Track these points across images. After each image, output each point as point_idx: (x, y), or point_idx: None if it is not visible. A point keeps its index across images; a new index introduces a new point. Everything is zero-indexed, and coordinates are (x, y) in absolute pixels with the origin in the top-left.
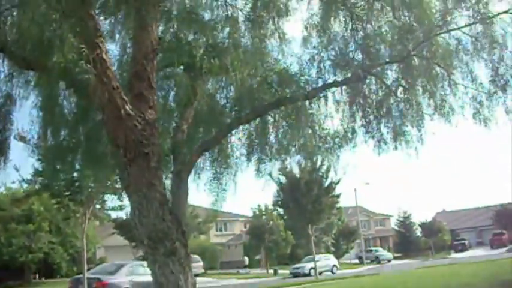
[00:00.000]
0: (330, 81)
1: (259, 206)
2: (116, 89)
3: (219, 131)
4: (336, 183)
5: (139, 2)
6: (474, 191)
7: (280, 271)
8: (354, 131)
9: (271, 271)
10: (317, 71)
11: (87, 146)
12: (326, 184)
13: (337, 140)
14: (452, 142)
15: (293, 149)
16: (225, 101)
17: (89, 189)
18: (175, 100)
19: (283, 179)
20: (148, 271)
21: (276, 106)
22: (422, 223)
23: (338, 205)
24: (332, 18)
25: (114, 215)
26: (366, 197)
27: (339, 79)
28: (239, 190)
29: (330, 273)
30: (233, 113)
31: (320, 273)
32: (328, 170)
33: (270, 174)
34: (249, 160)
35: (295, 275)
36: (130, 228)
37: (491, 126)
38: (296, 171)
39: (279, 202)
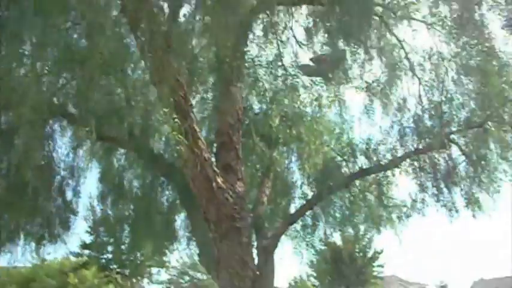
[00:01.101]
0: (411, 149)
1: (295, 277)
2: (207, 161)
3: (304, 204)
4: (380, 253)
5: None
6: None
7: None
8: (423, 200)
9: None
10: (398, 139)
11: (138, 218)
12: (370, 254)
13: (405, 209)
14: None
15: (357, 219)
16: (303, 173)
17: (138, 262)
18: (254, 172)
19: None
20: None
21: (360, 176)
22: None
23: (382, 275)
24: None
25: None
26: (401, 265)
27: (420, 147)
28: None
29: None
30: (314, 185)
31: None
32: (371, 240)
33: (313, 245)
34: (313, 231)
35: None
36: None
37: None
38: (338, 241)
39: (319, 273)
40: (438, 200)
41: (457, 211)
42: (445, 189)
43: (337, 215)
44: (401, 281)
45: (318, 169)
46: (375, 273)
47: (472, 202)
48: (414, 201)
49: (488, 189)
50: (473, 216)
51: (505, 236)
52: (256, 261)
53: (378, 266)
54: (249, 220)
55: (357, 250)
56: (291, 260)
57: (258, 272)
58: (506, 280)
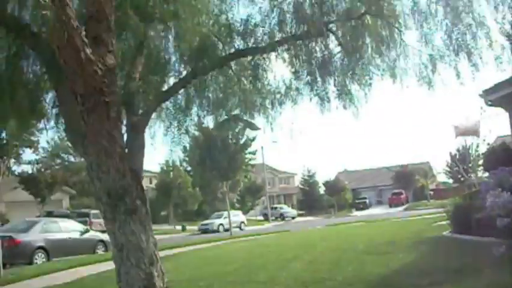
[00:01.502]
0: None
1: (167, 161)
2: (76, 29)
3: (177, 82)
4: (252, 141)
5: None
6: (376, 151)
7: (187, 227)
8: (297, 88)
9: (178, 227)
10: (278, 23)
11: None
12: (242, 141)
13: (278, 96)
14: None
15: (230, 104)
16: (178, 50)
17: (3, 141)
18: (126, 46)
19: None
20: (62, 228)
21: (236, 57)
22: (326, 182)
23: (253, 162)
24: None
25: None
26: (272, 154)
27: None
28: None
29: (238, 229)
30: (189, 63)
31: (227, 230)
32: (245, 128)
33: (187, 130)
34: (186, 114)
35: (204, 231)
36: (36, 183)
37: (436, 90)
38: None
39: (191, 158)
40: (312, 89)
41: (328, 101)
42: (319, 79)
43: (211, 97)
44: (271, 169)
45: (194, 48)
46: (246, 160)
47: (344, 93)
48: (288, 88)
49: (360, 82)
50: (344, 107)
51: (372, 129)
52: (125, 138)
53: (250, 153)
54: (118, 95)
55: (230, 136)
56: (164, 145)
57: (126, 149)
58: (368, 172)
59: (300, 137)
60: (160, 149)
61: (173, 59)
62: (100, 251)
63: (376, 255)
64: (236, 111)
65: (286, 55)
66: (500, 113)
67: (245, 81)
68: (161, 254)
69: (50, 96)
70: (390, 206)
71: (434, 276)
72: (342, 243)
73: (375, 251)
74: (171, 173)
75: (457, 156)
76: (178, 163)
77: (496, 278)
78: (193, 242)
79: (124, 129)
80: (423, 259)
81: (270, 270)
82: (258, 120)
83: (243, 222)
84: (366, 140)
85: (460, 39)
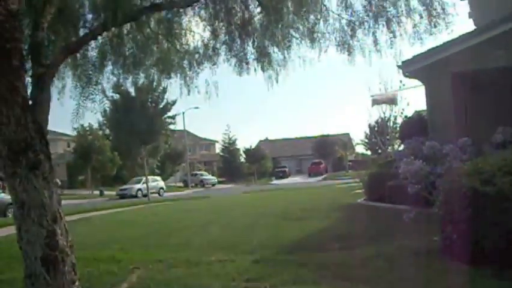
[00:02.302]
0: None
1: (82, 125)
2: None
3: (87, 33)
4: (172, 105)
5: None
6: (297, 121)
7: (105, 192)
8: (215, 49)
9: (96, 192)
10: None
11: None
12: (162, 105)
13: (197, 56)
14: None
15: (148, 63)
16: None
17: None
18: None
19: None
20: None
21: (150, 11)
22: (247, 150)
23: (173, 126)
24: None
25: None
26: (193, 121)
27: None
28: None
29: (157, 195)
30: (101, 15)
31: (145, 195)
32: (164, 91)
33: (104, 92)
34: (100, 72)
35: (122, 197)
36: None
37: (355, 56)
38: (132, 90)
39: (109, 122)
40: (230, 50)
41: (247, 63)
42: (238, 40)
43: (127, 54)
44: (192, 135)
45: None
46: (166, 125)
47: (263, 55)
48: (206, 48)
49: (280, 44)
50: (262, 69)
51: (294, 99)
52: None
53: (169, 117)
54: (22, 43)
55: (150, 100)
56: (82, 108)
57: (30, 101)
58: (289, 141)
59: (221, 104)
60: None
61: (85, 9)
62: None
63: (292, 220)
64: (152, 71)
65: (204, 14)
66: (419, 85)
67: (163, 40)
68: (76, 217)
69: None
70: (309, 175)
71: (346, 241)
72: (259, 209)
73: (290, 216)
74: (89, 136)
75: (376, 128)
76: (97, 126)
77: (405, 242)
78: (110, 207)
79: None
80: (337, 225)
81: (184, 234)
82: (175, 81)
83: (162, 188)
84: (288, 110)
85: (380, 5)
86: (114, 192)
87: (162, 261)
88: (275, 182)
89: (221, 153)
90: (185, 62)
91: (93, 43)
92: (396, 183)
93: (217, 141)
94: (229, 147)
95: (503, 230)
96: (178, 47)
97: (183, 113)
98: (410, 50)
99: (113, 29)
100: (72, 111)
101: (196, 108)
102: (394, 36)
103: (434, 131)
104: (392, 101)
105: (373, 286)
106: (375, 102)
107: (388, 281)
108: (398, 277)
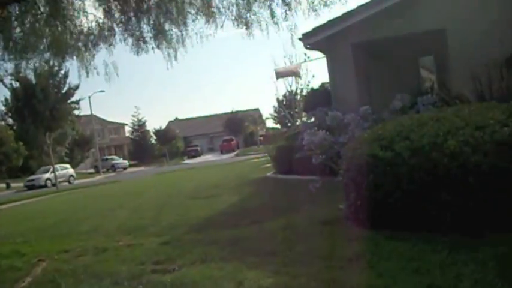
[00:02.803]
0: None
1: None
2: None
3: None
4: (75, 89)
5: None
6: (206, 99)
7: (12, 184)
8: (111, 29)
9: (2, 185)
10: None
11: None
12: (64, 90)
13: (92, 37)
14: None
15: (41, 47)
16: None
17: None
18: None
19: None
20: None
21: None
22: (157, 131)
23: (78, 112)
24: None
25: None
26: (100, 105)
27: None
28: None
29: (67, 183)
30: None
31: (54, 185)
32: (66, 76)
33: (2, 80)
34: None
35: (30, 188)
36: None
37: (253, 30)
38: (31, 76)
39: (11, 110)
40: (126, 29)
41: (144, 42)
42: (133, 18)
43: (17, 38)
44: (100, 120)
45: None
46: (71, 111)
47: (160, 33)
48: (101, 28)
49: (177, 21)
50: (159, 47)
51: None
52: None
53: (73, 102)
54: None
55: (51, 85)
56: None
57: None
58: (200, 119)
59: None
60: None
61: None
62: None
63: (202, 199)
64: (46, 55)
65: None
66: (321, 57)
67: (54, 21)
68: None
69: None
70: (222, 153)
71: (255, 215)
72: (169, 189)
73: (200, 195)
74: None
75: (284, 102)
76: None
77: (311, 212)
78: (16, 199)
79: None
80: (246, 200)
81: (92, 221)
82: (71, 64)
83: (72, 175)
84: (196, 88)
85: None
86: (21, 184)
87: (68, 251)
88: (187, 161)
89: (131, 136)
90: (80, 43)
91: None
92: (302, 155)
93: (126, 124)
94: (139, 129)
95: (400, 193)
96: (71, 28)
97: (89, 97)
98: (307, 23)
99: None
100: None
101: (102, 91)
102: (290, 9)
103: (337, 101)
104: (295, 73)
105: (282, 258)
106: (279, 75)
107: (297, 251)
108: (306, 247)
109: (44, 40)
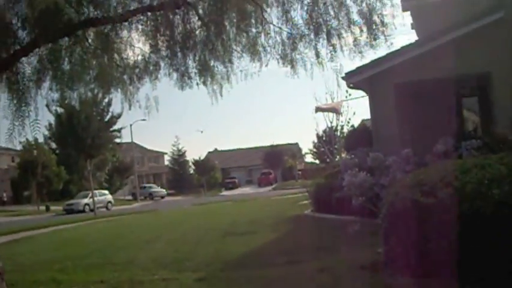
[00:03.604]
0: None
1: (27, 139)
2: None
3: (18, 49)
4: (117, 118)
5: None
6: (246, 132)
7: (52, 207)
8: (157, 63)
9: (42, 207)
10: None
11: None
12: (107, 118)
13: (137, 71)
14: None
15: (88, 78)
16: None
17: None
18: None
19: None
20: None
21: (84, 26)
22: (196, 161)
23: (119, 140)
24: None
25: None
26: (141, 133)
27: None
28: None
29: (105, 209)
30: (31, 31)
31: (92, 210)
32: (109, 104)
33: (48, 106)
34: (38, 87)
35: (69, 212)
36: None
37: (298, 69)
38: (76, 103)
39: (55, 136)
40: (171, 64)
41: (189, 77)
42: (179, 54)
43: (66, 69)
44: (140, 148)
45: (38, 12)
46: (112, 138)
47: (205, 69)
48: (147, 62)
49: (222, 58)
50: (204, 83)
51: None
52: None
53: (115, 131)
54: None
55: (94, 113)
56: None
57: None
58: (238, 151)
59: (169, 115)
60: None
61: (18, 24)
62: None
63: (238, 235)
64: (92, 86)
65: (144, 27)
66: (364, 96)
67: (102, 54)
68: (17, 236)
69: None
70: (259, 186)
71: (292, 255)
72: (206, 223)
73: (237, 230)
74: (34, 151)
75: (324, 138)
76: (41, 140)
77: (350, 255)
78: (55, 223)
79: None
80: (283, 238)
81: (129, 252)
82: (116, 96)
83: (110, 201)
84: (237, 121)
85: (320, 19)
86: (61, 207)
87: (104, 282)
88: (225, 193)
89: (170, 165)
90: (125, 76)
91: (32, 58)
92: (342, 195)
93: (166, 153)
94: (178, 159)
95: (446, 242)
96: (118, 61)
97: (131, 125)
98: (352, 62)
99: (50, 44)
100: (6, 130)
101: (144, 120)
102: (335, 50)
103: (378, 141)
104: (336, 110)
105: None
106: (319, 109)
107: None
108: None
109: (91, 71)
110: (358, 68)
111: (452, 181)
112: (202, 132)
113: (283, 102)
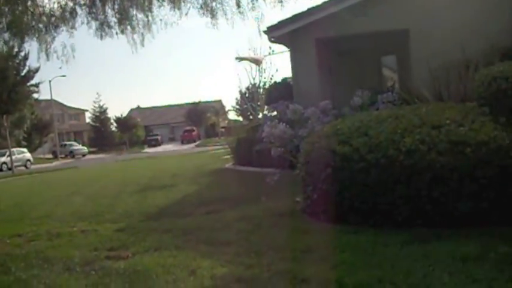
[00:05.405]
0: None
1: None
2: None
3: None
4: (35, 72)
5: None
6: (170, 89)
7: None
8: (74, 11)
9: None
10: None
11: None
12: (23, 72)
13: (53, 19)
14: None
15: (0, 26)
16: None
17: None
18: None
19: None
20: None
21: None
22: (118, 118)
23: (37, 96)
24: None
25: None
26: (61, 90)
27: None
28: None
29: (24, 168)
30: None
31: (10, 168)
32: (26, 58)
33: None
34: None
35: None
36: None
37: (218, 19)
38: None
39: None
40: (90, 12)
41: (109, 26)
42: (98, 1)
43: None
44: (60, 105)
45: None
46: (30, 94)
47: (124, 18)
48: (64, 10)
49: (142, 7)
50: (123, 32)
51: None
52: None
53: (33, 85)
54: None
55: (10, 66)
56: None
57: None
58: (161, 109)
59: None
60: None
61: None
62: None
63: (158, 188)
64: (5, 35)
65: None
66: (286, 51)
67: (16, 1)
68: None
69: None
70: (182, 143)
71: (212, 205)
72: (127, 178)
73: (158, 184)
74: None
75: (247, 95)
76: None
77: (269, 204)
78: None
79: None
80: (203, 190)
81: (47, 206)
82: (30, 45)
83: (29, 160)
84: (159, 78)
85: None
86: None
87: (21, 235)
88: (147, 150)
89: (91, 123)
90: (41, 25)
91: None
92: (262, 147)
93: (87, 110)
94: (100, 116)
95: (358, 189)
96: (32, 8)
97: (50, 81)
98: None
99: None
100: None
101: (63, 76)
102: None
103: (299, 95)
104: (257, 60)
105: (236, 248)
106: (240, 58)
107: (251, 242)
108: (261, 238)
109: (3, 19)
110: (279, 22)
111: (367, 131)
112: (64, 76)
113: (207, 59)
